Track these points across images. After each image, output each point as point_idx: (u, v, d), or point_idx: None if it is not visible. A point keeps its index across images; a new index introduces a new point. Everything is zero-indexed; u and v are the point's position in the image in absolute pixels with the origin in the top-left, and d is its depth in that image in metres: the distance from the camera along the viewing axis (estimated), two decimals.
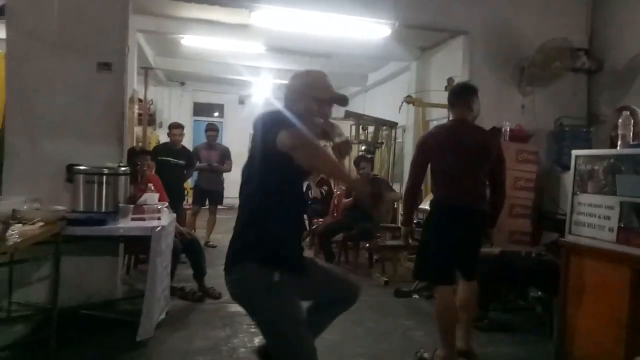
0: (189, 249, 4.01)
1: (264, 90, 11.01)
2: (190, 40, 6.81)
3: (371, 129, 6.77)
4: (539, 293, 3.70)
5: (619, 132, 2.78)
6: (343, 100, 1.94)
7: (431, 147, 2.85)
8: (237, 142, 11.36)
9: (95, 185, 3.24)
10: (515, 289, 3.95)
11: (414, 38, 6.62)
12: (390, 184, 6.23)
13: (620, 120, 2.81)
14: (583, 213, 2.76)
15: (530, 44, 4.57)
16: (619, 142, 2.77)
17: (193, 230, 5.51)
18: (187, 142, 11.09)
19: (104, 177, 3.25)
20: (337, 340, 3.06)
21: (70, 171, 3.30)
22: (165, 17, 6.17)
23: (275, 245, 1.73)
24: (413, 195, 3.04)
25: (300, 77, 1.91)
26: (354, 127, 6.78)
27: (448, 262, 2.76)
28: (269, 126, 1.69)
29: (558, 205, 4.12)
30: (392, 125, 6.85)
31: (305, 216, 6.93)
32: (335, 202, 6.01)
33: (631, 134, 2.78)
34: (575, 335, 2.76)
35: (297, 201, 1.91)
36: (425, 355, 2.92)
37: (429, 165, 2.90)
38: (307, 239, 6.40)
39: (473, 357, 2.88)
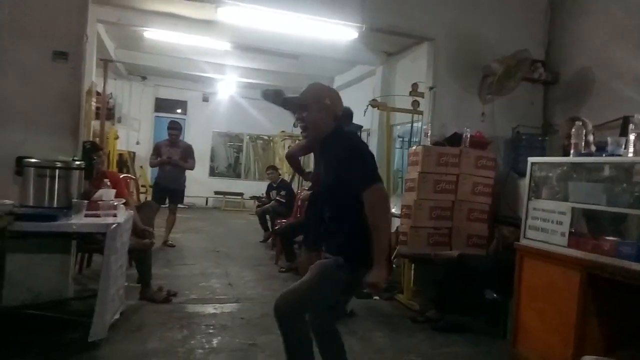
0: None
1: (228, 88, 10.88)
2: (154, 34, 6.62)
3: None
4: (494, 295, 3.81)
5: (572, 141, 2.90)
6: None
7: None
8: (200, 139, 11.18)
9: (47, 179, 3.08)
10: (472, 290, 4.05)
11: (381, 42, 6.70)
12: None
13: (573, 130, 2.93)
14: (537, 218, 2.86)
15: (492, 53, 4.71)
16: (571, 151, 2.89)
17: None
18: (148, 139, 10.90)
19: (57, 171, 3.09)
20: None
21: (20, 164, 3.13)
22: (128, 9, 5.97)
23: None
24: None
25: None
26: None
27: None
28: (362, 167, 1.99)
29: (514, 210, 4.27)
30: (357, 128, 6.89)
31: (267, 217, 6.92)
32: (299, 203, 5.99)
33: (583, 143, 2.91)
34: (528, 336, 2.86)
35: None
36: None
37: None
38: (269, 240, 6.34)
39: None
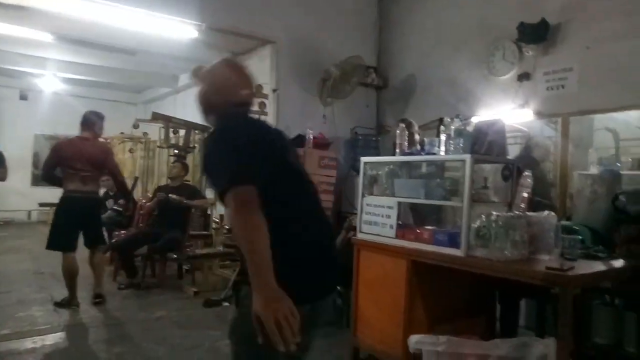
0: None
1: (53, 85, 9.58)
2: None
3: (182, 132, 6.45)
4: (339, 287, 4.01)
5: (397, 141, 3.19)
6: None
7: (63, 152, 4.03)
8: (19, 144, 9.64)
9: None
10: None
11: (224, 42, 6.55)
12: (201, 190, 6.03)
13: (397, 131, 3.23)
14: (370, 213, 3.07)
15: (331, 58, 4.97)
16: (396, 150, 3.18)
17: None
18: None
19: None
20: None
21: None
22: None
23: None
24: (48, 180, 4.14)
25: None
26: (163, 130, 6.37)
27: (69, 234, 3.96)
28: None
29: (353, 206, 4.55)
30: (205, 129, 6.65)
31: (104, 229, 6.25)
32: (141, 212, 5.54)
33: (406, 143, 3.21)
34: (365, 324, 3.06)
35: None
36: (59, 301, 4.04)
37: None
38: (107, 253, 5.74)
39: (102, 297, 4.19)
